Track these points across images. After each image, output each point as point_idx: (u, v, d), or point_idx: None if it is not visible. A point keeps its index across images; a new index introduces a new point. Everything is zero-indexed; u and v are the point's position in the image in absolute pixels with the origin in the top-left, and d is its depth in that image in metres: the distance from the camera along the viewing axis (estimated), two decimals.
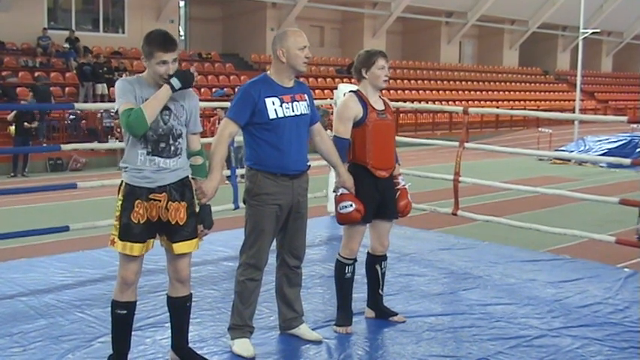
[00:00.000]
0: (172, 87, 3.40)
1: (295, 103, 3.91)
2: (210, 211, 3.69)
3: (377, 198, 4.27)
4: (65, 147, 6.51)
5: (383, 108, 4.33)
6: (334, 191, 4.26)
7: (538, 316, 4.69)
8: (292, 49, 3.86)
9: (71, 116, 18.96)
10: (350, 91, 4.38)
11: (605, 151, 18.57)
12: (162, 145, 3.47)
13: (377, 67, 4.25)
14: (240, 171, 5.83)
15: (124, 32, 25.53)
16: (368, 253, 4.52)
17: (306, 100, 3.99)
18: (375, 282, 4.54)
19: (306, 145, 4.01)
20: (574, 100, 25.01)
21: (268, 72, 3.99)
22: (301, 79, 4.18)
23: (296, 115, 3.90)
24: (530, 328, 4.44)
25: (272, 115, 3.82)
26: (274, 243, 4.06)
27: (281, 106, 3.85)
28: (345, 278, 4.34)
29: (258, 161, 3.89)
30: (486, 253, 6.43)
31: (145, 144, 3.45)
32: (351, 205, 4.14)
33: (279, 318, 4.24)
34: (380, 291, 4.56)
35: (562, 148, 19.96)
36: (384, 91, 4.39)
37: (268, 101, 3.83)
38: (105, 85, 20.26)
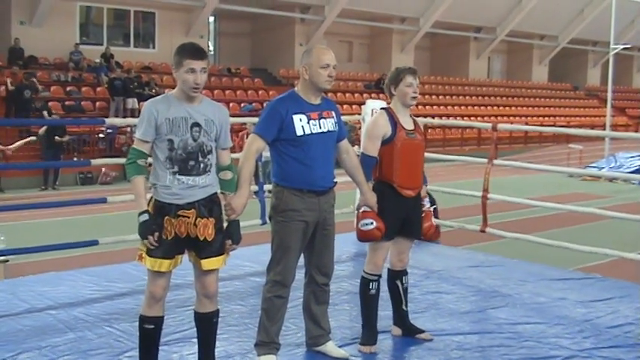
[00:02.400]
0: (138, 215, 3.42)
1: (322, 120, 3.92)
2: (239, 227, 3.69)
3: (401, 216, 4.26)
4: (95, 162, 6.58)
5: (412, 127, 4.32)
6: (357, 208, 4.27)
7: (568, 336, 4.62)
8: (314, 66, 3.87)
9: (108, 130, 19.04)
10: (381, 109, 4.38)
11: (637, 167, 18.33)
12: (192, 162, 3.48)
13: (404, 84, 4.25)
14: (268, 186, 5.84)
15: (154, 47, 25.81)
16: (388, 268, 4.51)
17: (333, 117, 4.00)
18: (397, 297, 4.51)
19: (333, 161, 4.01)
20: (605, 116, 24.73)
21: (296, 88, 4.00)
22: (329, 94, 4.19)
23: (323, 132, 3.90)
24: (560, 349, 4.37)
25: (299, 132, 3.83)
26: (302, 259, 4.05)
27: (308, 122, 3.86)
28: (370, 294, 4.32)
29: (285, 177, 3.90)
30: (515, 271, 6.35)
31: (172, 164, 3.46)
32: (372, 223, 4.13)
33: (305, 335, 4.22)
34: (404, 307, 4.52)
35: (593, 165, 19.75)
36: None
37: (295, 118, 3.84)
38: (135, 99, 20.47)
